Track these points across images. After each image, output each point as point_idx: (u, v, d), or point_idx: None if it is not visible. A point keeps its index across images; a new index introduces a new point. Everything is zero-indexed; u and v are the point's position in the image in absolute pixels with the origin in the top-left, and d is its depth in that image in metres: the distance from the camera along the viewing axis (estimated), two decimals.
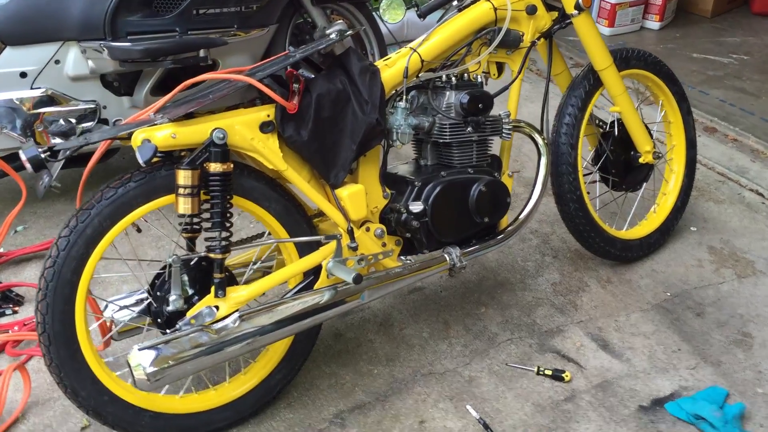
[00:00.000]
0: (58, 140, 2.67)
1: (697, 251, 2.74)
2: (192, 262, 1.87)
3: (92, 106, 2.72)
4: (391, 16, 2.42)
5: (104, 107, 2.76)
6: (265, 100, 1.84)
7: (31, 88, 2.63)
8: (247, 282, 2.10)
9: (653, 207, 2.73)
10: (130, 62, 2.60)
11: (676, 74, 2.64)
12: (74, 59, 2.65)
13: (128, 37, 2.60)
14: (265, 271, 2.14)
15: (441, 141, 2.09)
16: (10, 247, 2.72)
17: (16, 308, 2.42)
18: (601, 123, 2.58)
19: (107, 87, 2.76)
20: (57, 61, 2.64)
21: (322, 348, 2.26)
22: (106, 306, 1.98)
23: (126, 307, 1.96)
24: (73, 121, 2.68)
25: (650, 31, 4.81)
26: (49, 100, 2.65)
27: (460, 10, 2.17)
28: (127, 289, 2.46)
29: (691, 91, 2.68)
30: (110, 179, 1.76)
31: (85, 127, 2.71)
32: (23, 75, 2.61)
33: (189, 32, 2.69)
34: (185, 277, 1.87)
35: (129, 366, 1.70)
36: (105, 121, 2.78)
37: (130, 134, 1.72)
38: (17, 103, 2.62)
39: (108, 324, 1.98)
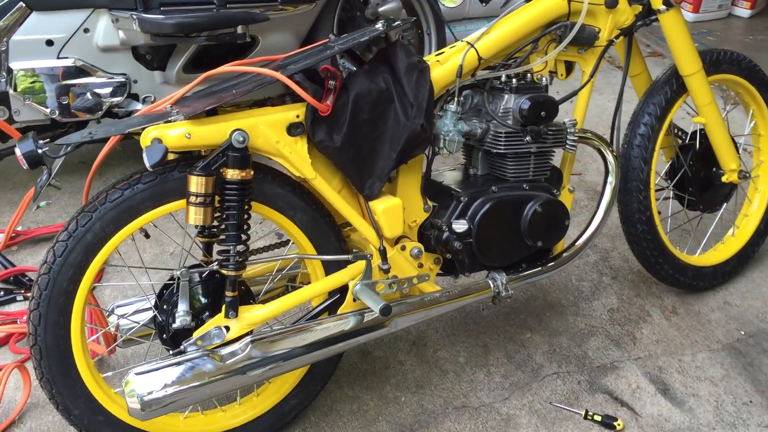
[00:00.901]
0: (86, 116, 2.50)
1: None
2: (203, 274, 1.68)
3: (122, 79, 2.54)
4: None
5: (135, 81, 2.57)
6: (296, 97, 1.60)
7: (58, 58, 2.45)
8: (267, 293, 1.92)
9: (732, 229, 2.43)
10: (161, 36, 2.38)
11: (766, 72, 2.29)
12: (105, 28, 2.46)
13: (161, 8, 2.38)
14: (291, 284, 1.94)
15: (494, 151, 1.83)
16: (31, 225, 2.59)
17: (28, 293, 2.28)
18: (680, 133, 2.27)
19: (139, 60, 2.56)
20: (86, 30, 2.45)
21: (347, 366, 2.06)
22: (111, 312, 1.81)
23: (131, 315, 1.79)
24: (102, 94, 2.50)
25: (739, 18, 4.38)
26: (77, 71, 2.47)
27: (527, 0, 1.89)
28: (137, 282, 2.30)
29: None
30: (121, 176, 1.57)
31: (114, 102, 2.53)
32: (50, 43, 2.43)
33: (228, 5, 2.46)
34: (196, 290, 1.68)
35: (124, 391, 1.53)
36: (135, 97, 2.59)
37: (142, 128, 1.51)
38: (49, 71, 2.45)
39: (113, 331, 1.82)
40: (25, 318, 2.14)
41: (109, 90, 2.51)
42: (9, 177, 2.98)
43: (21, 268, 2.34)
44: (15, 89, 2.42)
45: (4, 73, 2.41)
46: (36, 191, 1.59)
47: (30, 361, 2.01)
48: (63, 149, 1.54)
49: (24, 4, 2.37)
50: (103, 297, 2.30)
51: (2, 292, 2.29)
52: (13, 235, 2.47)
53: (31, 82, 2.43)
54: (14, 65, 2.41)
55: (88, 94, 2.48)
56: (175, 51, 2.55)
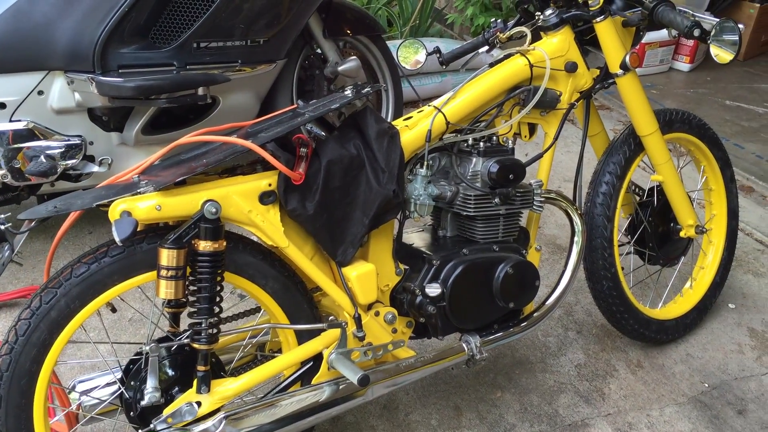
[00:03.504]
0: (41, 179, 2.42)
1: (736, 333, 2.49)
2: (173, 348, 1.63)
3: (78, 141, 2.47)
4: (406, 58, 2.18)
5: (91, 143, 2.51)
6: (267, 165, 1.58)
7: (10, 121, 2.37)
8: (237, 360, 1.87)
9: (689, 282, 2.48)
10: (120, 99, 2.34)
11: (708, 123, 2.37)
12: (59, 90, 2.39)
13: (120, 71, 2.34)
14: (260, 352, 1.90)
15: (464, 213, 1.84)
16: None
17: None
18: (638, 190, 2.33)
19: (95, 121, 2.50)
20: (40, 92, 2.38)
21: None
22: (72, 388, 1.73)
23: (94, 391, 1.71)
24: (56, 157, 2.43)
25: (680, 72, 4.57)
26: (30, 134, 2.39)
27: (491, 66, 1.93)
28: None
29: (725, 144, 2.43)
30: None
31: (68, 165, 2.46)
32: (2, 106, 2.35)
33: (188, 67, 2.43)
34: (166, 364, 1.62)
35: None
36: (91, 158, 2.53)
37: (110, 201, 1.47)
38: (0, 135, 2.36)
39: (75, 409, 1.73)
40: None
41: (63, 152, 2.44)
42: None
43: None
44: None
45: None
46: None
47: None
48: (26, 224, 1.49)
49: None
50: (62, 369, 2.20)
51: None
52: None
53: None
54: None
55: (42, 157, 2.40)
56: (133, 112, 2.50)
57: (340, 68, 2.94)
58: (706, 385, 2.25)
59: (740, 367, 2.33)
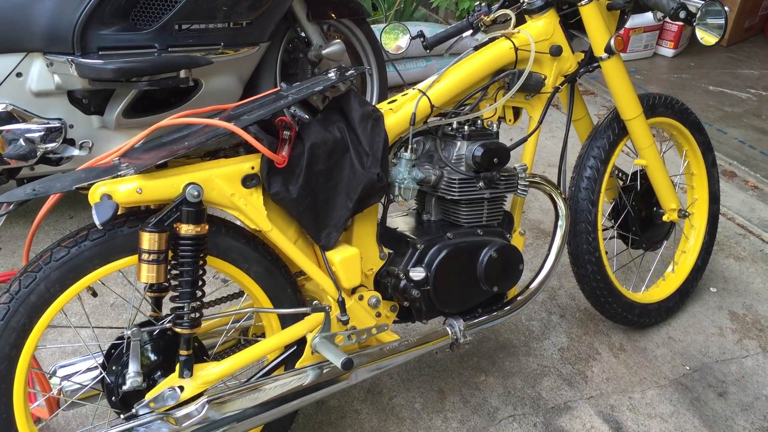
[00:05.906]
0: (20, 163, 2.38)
1: (717, 317, 2.51)
2: (155, 333, 1.61)
3: (57, 124, 2.44)
4: (390, 43, 2.16)
5: (71, 126, 2.47)
6: (250, 147, 1.57)
7: None
8: (220, 345, 1.86)
9: (671, 266, 2.50)
10: (100, 81, 2.31)
11: (691, 108, 2.38)
12: (38, 73, 2.36)
13: (100, 53, 2.31)
14: (244, 337, 1.89)
15: (448, 197, 1.83)
16: None
17: None
18: (621, 175, 2.33)
19: (75, 104, 2.47)
20: (19, 74, 2.34)
21: (301, 418, 2.01)
22: (53, 373, 1.72)
23: (76, 376, 1.70)
24: (35, 140, 2.39)
25: (663, 58, 4.57)
26: (8, 116, 2.36)
27: (476, 49, 1.92)
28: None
29: (708, 129, 2.43)
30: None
31: (48, 148, 2.42)
32: None
33: (169, 49, 2.40)
34: (148, 349, 1.61)
35: None
36: (71, 142, 2.49)
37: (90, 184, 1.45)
38: None
39: (56, 394, 1.72)
40: None
41: (43, 135, 2.41)
42: None
43: None
44: None
45: None
46: None
47: None
48: (4, 208, 1.47)
49: None
50: (43, 354, 2.18)
51: None
52: None
53: None
54: None
55: (21, 141, 2.37)
56: (114, 95, 2.47)
57: (324, 51, 2.92)
58: (688, 368, 2.27)
59: (721, 350, 2.35)
